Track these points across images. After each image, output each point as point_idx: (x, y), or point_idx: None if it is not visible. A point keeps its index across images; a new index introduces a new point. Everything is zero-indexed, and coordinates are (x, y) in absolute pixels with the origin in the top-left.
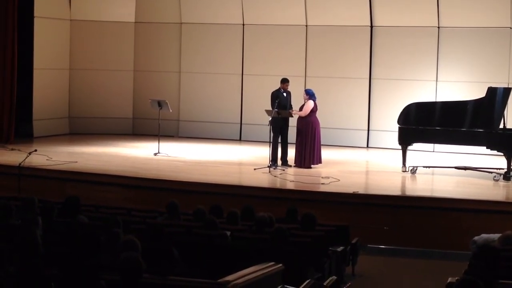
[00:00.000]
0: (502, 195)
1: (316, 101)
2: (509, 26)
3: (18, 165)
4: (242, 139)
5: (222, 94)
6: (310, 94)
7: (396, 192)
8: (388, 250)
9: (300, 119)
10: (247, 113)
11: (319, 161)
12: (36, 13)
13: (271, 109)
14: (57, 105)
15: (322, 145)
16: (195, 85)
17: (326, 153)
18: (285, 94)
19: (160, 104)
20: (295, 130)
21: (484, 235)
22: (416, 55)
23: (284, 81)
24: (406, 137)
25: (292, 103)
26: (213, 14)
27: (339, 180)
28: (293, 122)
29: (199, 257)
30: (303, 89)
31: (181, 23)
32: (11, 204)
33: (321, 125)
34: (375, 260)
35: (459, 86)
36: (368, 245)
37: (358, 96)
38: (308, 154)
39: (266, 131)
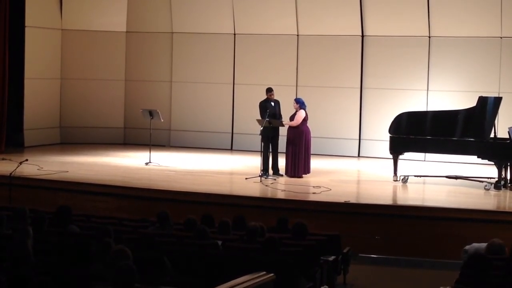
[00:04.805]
0: (493, 204)
1: (307, 110)
2: (500, 35)
3: (9, 174)
4: (233, 148)
5: (213, 104)
6: (300, 103)
7: (388, 201)
8: (380, 260)
9: (292, 128)
10: (239, 123)
11: (308, 170)
12: (27, 22)
13: (261, 118)
14: (48, 115)
15: (313, 154)
16: (186, 94)
17: (317, 163)
18: (273, 104)
19: (151, 113)
20: (285, 140)
21: (475, 244)
22: (407, 64)
23: (269, 90)
24: (397, 146)
25: (282, 113)
26: (205, 24)
27: (330, 189)
28: (283, 131)
29: (191, 267)
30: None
31: (173, 32)
32: (2, 214)
33: (312, 134)
34: (366, 270)
35: (450, 95)
36: (360, 254)
37: (349, 105)
38: (302, 164)
39: (257, 141)
